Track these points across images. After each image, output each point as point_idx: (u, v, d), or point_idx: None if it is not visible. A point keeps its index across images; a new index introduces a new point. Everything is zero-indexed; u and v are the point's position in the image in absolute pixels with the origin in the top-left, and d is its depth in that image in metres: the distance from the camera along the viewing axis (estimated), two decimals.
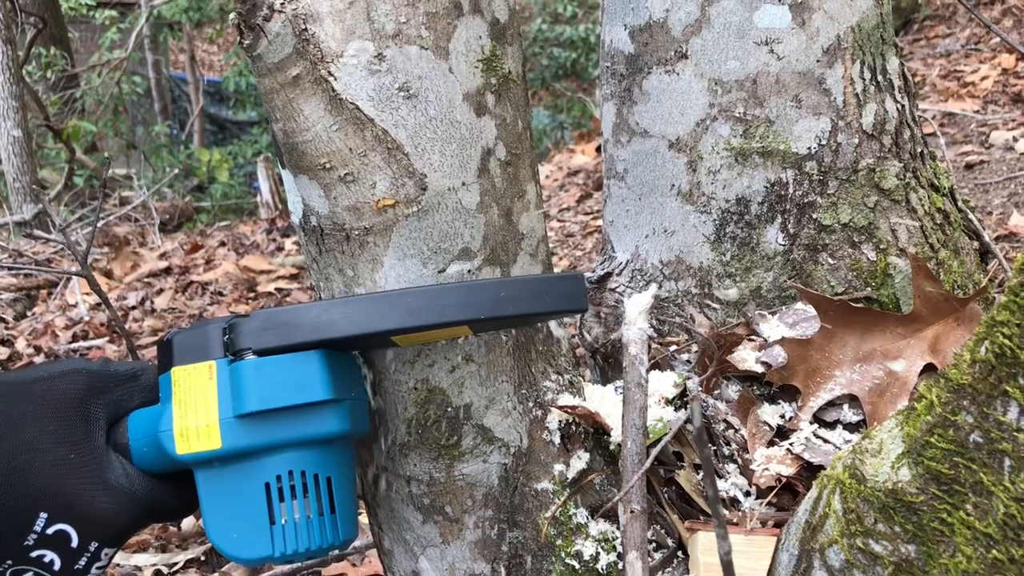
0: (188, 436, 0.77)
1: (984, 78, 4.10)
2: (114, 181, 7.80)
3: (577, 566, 0.94)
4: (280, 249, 4.51)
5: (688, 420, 0.96)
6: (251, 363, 0.77)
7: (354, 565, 1.70)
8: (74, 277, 3.81)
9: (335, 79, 0.80)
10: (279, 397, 0.77)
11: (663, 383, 1.05)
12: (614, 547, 0.94)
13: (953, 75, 4.42)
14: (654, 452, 0.87)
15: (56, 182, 6.85)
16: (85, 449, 0.79)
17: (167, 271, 4.19)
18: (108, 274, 4.28)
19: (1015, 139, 3.20)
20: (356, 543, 1.70)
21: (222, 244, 4.77)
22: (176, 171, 7.51)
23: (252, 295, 3.63)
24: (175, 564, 1.84)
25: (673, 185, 1.18)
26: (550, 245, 3.68)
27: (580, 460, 0.96)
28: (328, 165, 0.83)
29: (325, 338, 0.79)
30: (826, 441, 1.01)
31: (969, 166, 3.06)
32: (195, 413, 0.77)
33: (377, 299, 0.80)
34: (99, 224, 5.22)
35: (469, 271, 0.89)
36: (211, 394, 0.77)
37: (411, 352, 0.89)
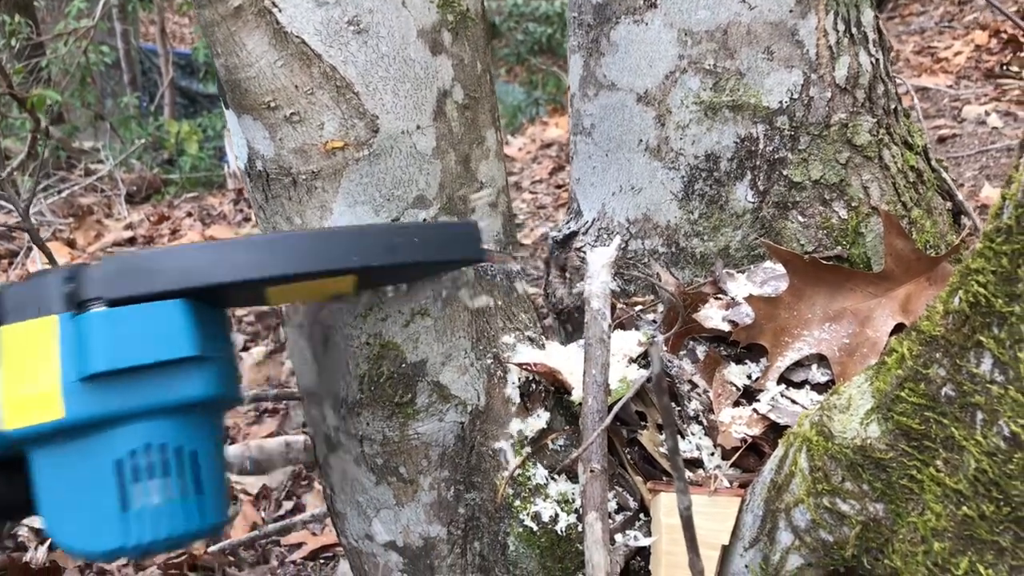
0: (22, 406, 0.64)
1: (957, 54, 4.09)
2: (82, 153, 7.65)
3: (535, 528, 0.90)
4: (247, 220, 4.43)
5: (650, 378, 0.93)
6: (100, 314, 0.65)
7: (314, 534, 1.66)
8: (35, 249, 3.73)
9: (279, 11, 0.75)
10: (135, 354, 0.65)
11: (628, 342, 1.01)
12: (574, 508, 0.91)
13: (927, 51, 4.41)
14: (615, 409, 0.84)
15: (20, 152, 6.70)
16: None
17: (131, 241, 4.11)
18: (71, 244, 4.18)
19: (987, 113, 3.19)
20: (315, 510, 1.67)
21: (189, 215, 4.69)
22: (143, 141, 7.36)
23: None
24: None
25: (641, 140, 1.14)
26: (522, 217, 3.64)
27: (540, 419, 0.93)
28: (273, 104, 0.78)
29: (188, 287, 0.67)
30: (794, 402, 0.98)
31: (942, 139, 3.05)
32: (31, 379, 0.64)
33: (253, 243, 0.70)
34: (63, 194, 5.11)
35: (424, 220, 0.84)
36: (52, 355, 0.65)
37: (363, 304, 0.85)
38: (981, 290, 0.65)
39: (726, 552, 0.86)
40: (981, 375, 0.66)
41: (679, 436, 0.96)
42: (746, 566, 0.84)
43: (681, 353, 1.07)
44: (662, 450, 0.95)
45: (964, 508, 0.67)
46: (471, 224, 0.80)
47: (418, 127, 0.82)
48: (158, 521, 0.66)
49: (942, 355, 0.69)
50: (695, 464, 0.95)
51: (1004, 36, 4.01)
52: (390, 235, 0.73)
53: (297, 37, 0.76)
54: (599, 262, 0.93)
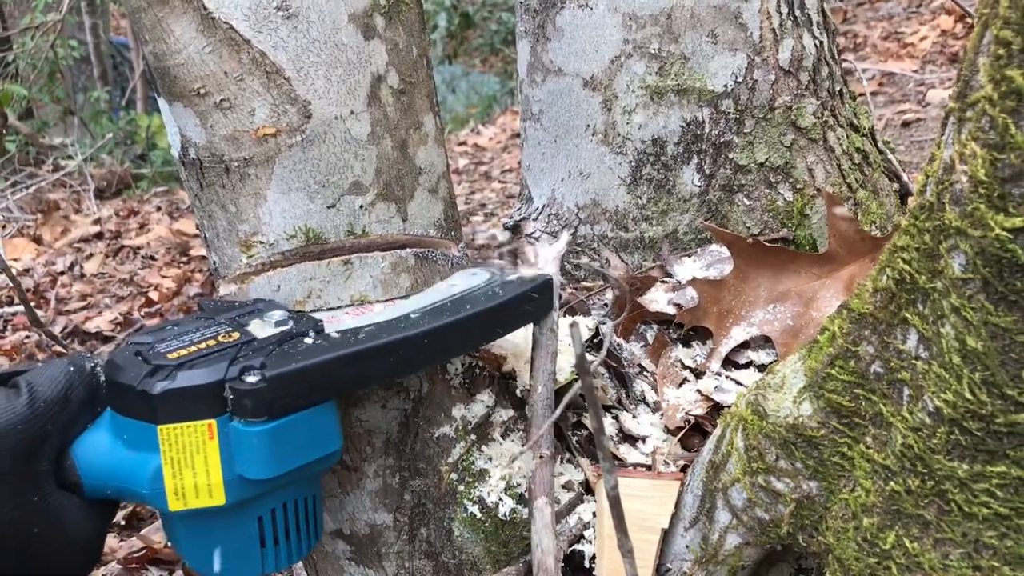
0: (185, 494, 0.72)
1: (923, 39, 4.12)
2: (51, 148, 7.56)
3: (479, 513, 0.90)
4: None
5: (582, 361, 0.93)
6: (268, 431, 0.70)
7: None
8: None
9: None
10: (295, 458, 0.72)
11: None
12: (517, 493, 0.91)
13: (894, 36, 4.43)
14: (566, 399, 0.83)
15: None
16: (41, 521, 0.70)
17: (99, 236, 4.07)
18: (38, 240, 4.14)
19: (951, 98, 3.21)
20: None
21: (158, 209, 4.65)
22: (110, 135, 7.29)
23: (185, 259, 3.54)
24: None
25: (588, 125, 1.14)
26: (491, 207, 3.62)
27: (483, 405, 0.93)
28: (203, 90, 0.78)
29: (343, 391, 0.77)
30: (738, 383, 0.98)
31: (906, 124, 3.07)
32: (192, 472, 0.71)
33: (396, 344, 0.75)
34: (31, 189, 5.05)
35: (361, 206, 0.84)
36: (212, 454, 0.71)
37: (301, 292, 0.85)
38: (906, 267, 0.66)
39: (667, 534, 0.86)
40: (907, 351, 0.66)
41: (628, 413, 0.97)
42: (686, 546, 0.84)
43: (631, 337, 1.07)
44: (611, 432, 0.95)
45: (892, 483, 0.68)
46: (546, 283, 0.86)
47: (352, 112, 0.81)
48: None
49: (871, 332, 0.70)
50: (640, 444, 0.95)
51: (969, 21, 4.03)
52: (484, 320, 0.81)
53: (225, 23, 0.75)
54: (549, 255, 0.93)
